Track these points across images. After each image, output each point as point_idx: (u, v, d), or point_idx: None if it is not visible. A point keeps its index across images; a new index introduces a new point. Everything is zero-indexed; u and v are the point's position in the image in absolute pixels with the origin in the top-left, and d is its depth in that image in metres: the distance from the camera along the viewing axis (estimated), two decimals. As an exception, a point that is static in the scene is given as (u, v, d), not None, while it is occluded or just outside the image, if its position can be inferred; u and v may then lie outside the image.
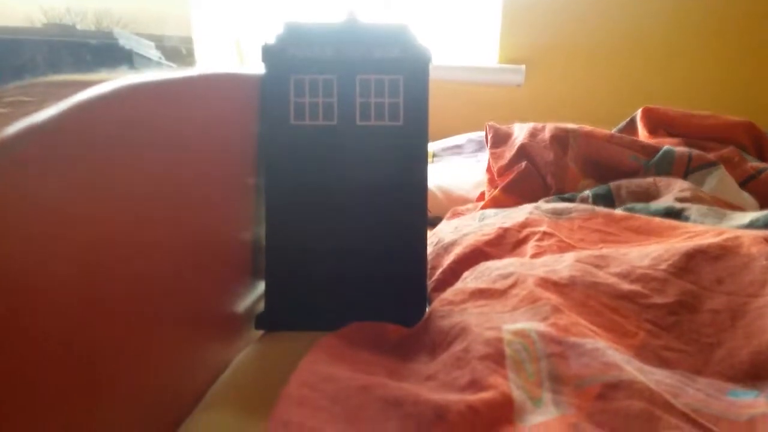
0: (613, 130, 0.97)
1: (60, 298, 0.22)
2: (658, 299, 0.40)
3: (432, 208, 0.74)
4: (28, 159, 0.20)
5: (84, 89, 0.23)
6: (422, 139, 0.44)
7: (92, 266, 0.24)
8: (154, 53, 1.17)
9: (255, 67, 0.45)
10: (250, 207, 0.44)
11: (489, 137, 0.93)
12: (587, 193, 0.77)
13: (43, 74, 0.26)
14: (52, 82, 0.25)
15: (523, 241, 0.56)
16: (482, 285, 0.44)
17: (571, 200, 0.79)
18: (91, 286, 0.24)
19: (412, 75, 0.44)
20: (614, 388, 0.29)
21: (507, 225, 0.59)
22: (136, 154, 0.27)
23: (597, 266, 0.45)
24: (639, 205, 0.68)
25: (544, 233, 0.56)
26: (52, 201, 0.21)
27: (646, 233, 0.55)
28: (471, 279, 0.49)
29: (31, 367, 0.20)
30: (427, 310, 0.44)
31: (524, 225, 0.58)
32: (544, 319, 0.37)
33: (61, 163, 0.21)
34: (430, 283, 0.53)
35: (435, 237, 0.63)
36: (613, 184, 0.78)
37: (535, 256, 0.51)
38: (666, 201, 0.71)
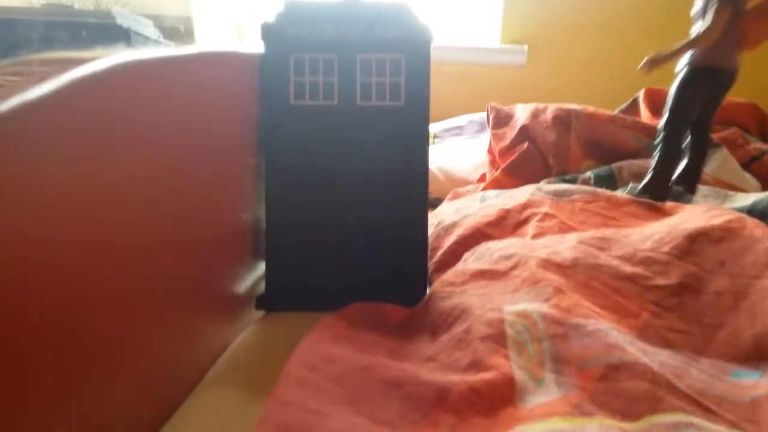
0: (616, 111, 0.96)
1: (56, 274, 0.21)
2: (661, 281, 0.40)
3: (433, 190, 0.74)
4: (22, 135, 0.19)
5: (79, 66, 0.23)
6: (423, 118, 0.44)
7: (89, 244, 0.23)
8: (152, 32, 1.16)
9: (254, 46, 0.44)
10: (250, 187, 0.43)
11: (490, 118, 0.93)
12: (589, 174, 0.77)
13: (39, 52, 0.26)
14: (47, 59, 0.24)
15: (524, 222, 0.55)
16: (483, 266, 0.44)
17: (572, 181, 0.79)
18: (89, 263, 0.23)
19: (413, 54, 0.43)
20: (617, 369, 0.29)
21: (508, 206, 0.58)
22: (132, 132, 0.26)
23: (599, 248, 0.45)
24: (639, 185, 0.68)
25: (546, 214, 0.56)
26: (47, 177, 0.21)
27: (645, 219, 0.55)
28: (472, 260, 0.48)
29: (29, 343, 0.20)
30: (427, 291, 0.44)
31: (526, 206, 0.58)
32: (547, 300, 0.36)
33: (55, 139, 0.21)
34: (431, 264, 0.53)
35: (436, 218, 0.63)
36: (615, 165, 0.77)
37: (536, 236, 0.51)
38: (668, 182, 0.70)
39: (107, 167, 0.24)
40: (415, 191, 0.44)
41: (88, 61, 0.24)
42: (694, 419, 0.26)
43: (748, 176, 0.80)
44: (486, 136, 0.99)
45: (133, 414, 0.29)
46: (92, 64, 0.23)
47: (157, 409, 0.31)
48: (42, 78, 0.21)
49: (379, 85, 0.43)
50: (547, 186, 0.65)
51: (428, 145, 0.45)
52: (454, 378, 0.30)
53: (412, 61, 0.43)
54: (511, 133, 0.88)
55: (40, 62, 0.24)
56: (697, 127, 0.56)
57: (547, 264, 0.42)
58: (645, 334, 0.35)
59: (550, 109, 0.88)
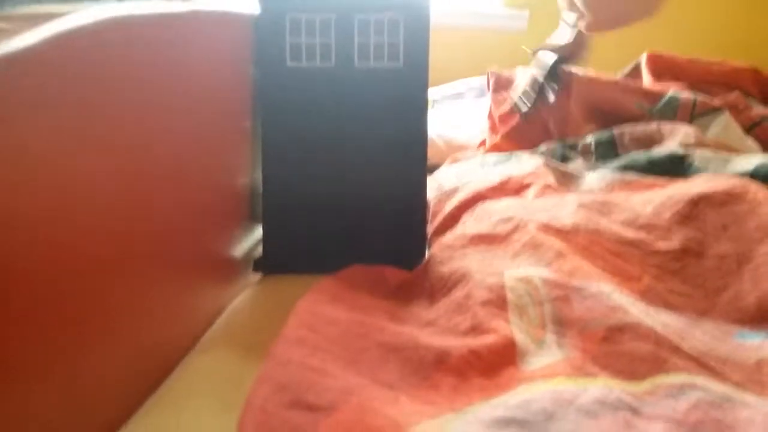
0: (618, 76, 0.95)
1: (45, 236, 0.21)
2: (663, 245, 0.40)
3: (432, 156, 0.73)
4: (3, 90, 0.19)
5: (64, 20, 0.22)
6: (422, 81, 0.43)
7: (78, 205, 0.23)
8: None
9: (249, 5, 0.43)
10: (246, 150, 0.42)
11: (491, 83, 0.91)
12: (590, 140, 0.76)
13: (24, 5, 0.25)
14: (31, 14, 0.23)
15: (526, 187, 0.55)
16: (483, 230, 0.44)
17: (573, 147, 0.78)
18: (79, 226, 0.23)
19: (412, 14, 0.42)
20: (620, 330, 0.29)
21: (512, 173, 0.58)
22: (121, 90, 0.26)
23: (600, 213, 0.45)
24: (640, 154, 0.67)
25: (548, 185, 0.55)
26: (30, 133, 0.20)
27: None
28: (471, 222, 0.48)
29: (17, 303, 0.20)
30: (426, 254, 0.43)
31: (531, 174, 0.57)
32: (548, 264, 0.36)
33: (40, 94, 0.20)
34: (432, 228, 0.52)
35: (435, 182, 0.62)
36: (616, 130, 0.76)
37: (536, 198, 0.51)
38: (669, 147, 0.70)
39: (95, 125, 0.23)
40: (413, 153, 0.43)
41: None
42: (698, 380, 0.25)
43: (750, 141, 0.79)
44: (485, 102, 0.98)
45: (130, 374, 0.29)
46: (79, 16, 0.22)
47: (153, 370, 0.31)
48: (25, 30, 0.20)
49: (378, 46, 0.42)
50: (555, 163, 0.64)
51: (428, 107, 0.44)
52: (454, 342, 0.30)
53: (411, 21, 0.42)
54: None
55: (24, 17, 0.23)
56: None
57: (547, 228, 0.41)
58: (647, 297, 0.35)
59: (551, 74, 0.86)
